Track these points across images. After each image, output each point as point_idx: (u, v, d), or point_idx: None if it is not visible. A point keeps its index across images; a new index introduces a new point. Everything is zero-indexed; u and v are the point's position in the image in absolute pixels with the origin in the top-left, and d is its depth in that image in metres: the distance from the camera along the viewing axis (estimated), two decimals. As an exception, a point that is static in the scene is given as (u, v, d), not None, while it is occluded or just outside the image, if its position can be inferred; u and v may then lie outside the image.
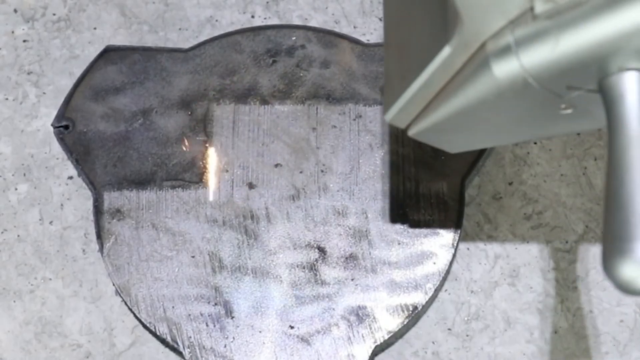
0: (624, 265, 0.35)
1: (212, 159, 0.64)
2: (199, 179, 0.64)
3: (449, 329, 0.62)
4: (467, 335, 0.62)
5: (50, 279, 0.64)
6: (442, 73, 0.42)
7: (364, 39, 0.68)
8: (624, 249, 0.35)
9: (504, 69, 0.39)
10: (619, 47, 0.36)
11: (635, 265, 0.35)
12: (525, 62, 0.38)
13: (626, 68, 0.37)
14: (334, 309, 0.61)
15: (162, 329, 0.61)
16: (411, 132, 0.46)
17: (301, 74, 0.66)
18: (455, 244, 0.62)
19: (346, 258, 0.62)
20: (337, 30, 0.68)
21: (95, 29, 0.70)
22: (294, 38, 0.67)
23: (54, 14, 0.70)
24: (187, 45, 0.68)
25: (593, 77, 0.38)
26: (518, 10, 0.38)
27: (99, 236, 0.63)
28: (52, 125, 0.65)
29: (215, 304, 0.61)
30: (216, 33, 0.68)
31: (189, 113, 0.65)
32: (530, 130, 0.46)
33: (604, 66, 0.37)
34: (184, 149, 0.64)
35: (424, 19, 0.44)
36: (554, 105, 0.40)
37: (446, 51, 0.41)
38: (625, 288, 0.35)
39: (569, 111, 0.41)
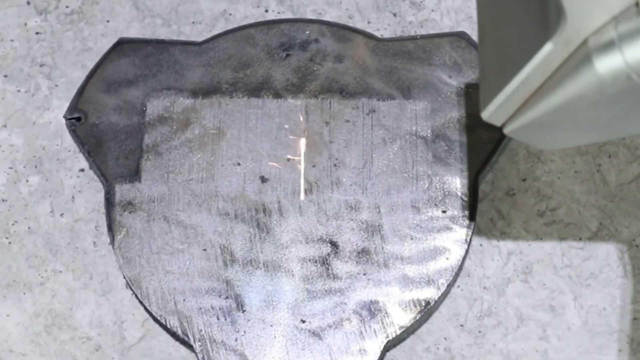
0: None
1: (225, 152, 0.64)
2: (211, 172, 0.63)
3: (462, 325, 0.62)
4: (480, 332, 0.62)
5: (60, 272, 0.64)
6: (542, 70, 0.42)
7: (378, 34, 0.68)
8: None
9: (607, 65, 0.39)
10: None
11: None
12: (629, 57, 0.38)
13: None
14: (345, 304, 0.60)
15: (173, 322, 0.60)
16: (507, 130, 0.46)
17: (315, 68, 0.66)
18: (468, 240, 0.62)
19: (358, 253, 0.61)
20: (351, 25, 0.68)
21: (108, 21, 0.70)
22: (307, 32, 0.67)
23: (67, 6, 0.70)
24: (200, 39, 0.67)
25: None
26: (622, 5, 0.38)
27: (110, 229, 0.62)
28: (64, 117, 0.65)
29: (227, 298, 0.61)
30: (230, 27, 0.68)
31: (202, 106, 0.65)
32: (629, 127, 0.46)
33: None
34: (197, 141, 0.64)
35: (522, 16, 0.44)
36: None
37: (548, 48, 0.41)
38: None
39: None
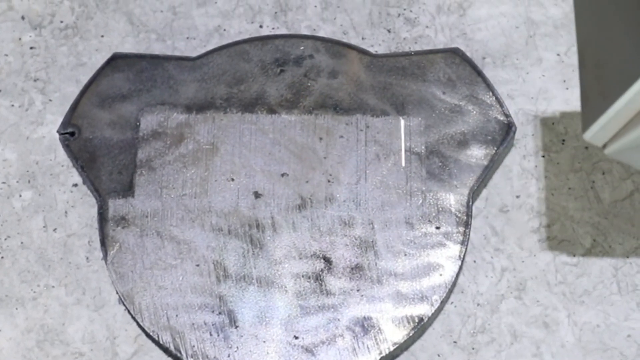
0: None
1: (218, 167, 0.64)
2: (205, 188, 0.63)
3: (455, 342, 0.62)
4: (473, 349, 0.61)
5: (53, 287, 0.63)
6: None
7: (372, 50, 0.68)
8: None
9: None
10: None
11: None
12: None
13: None
14: (339, 320, 0.60)
15: (166, 338, 0.60)
16: (608, 150, 0.47)
17: (309, 84, 0.66)
18: (461, 256, 0.62)
19: (352, 268, 0.61)
20: (345, 40, 0.68)
21: (102, 36, 0.70)
22: (302, 48, 0.67)
23: (62, 21, 0.70)
24: (194, 54, 0.67)
25: None
26: None
27: (103, 244, 0.62)
28: (57, 131, 0.65)
29: (220, 313, 0.60)
30: (224, 42, 0.68)
31: (196, 121, 0.65)
32: None
33: None
34: (190, 157, 0.64)
35: (625, 37, 0.45)
36: None
37: None
38: None
39: None
